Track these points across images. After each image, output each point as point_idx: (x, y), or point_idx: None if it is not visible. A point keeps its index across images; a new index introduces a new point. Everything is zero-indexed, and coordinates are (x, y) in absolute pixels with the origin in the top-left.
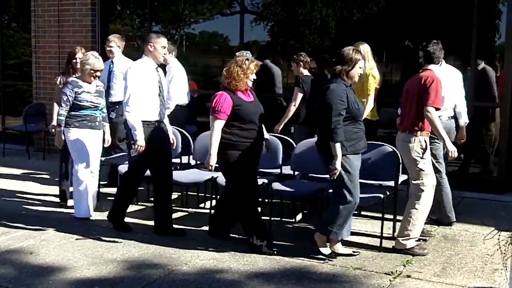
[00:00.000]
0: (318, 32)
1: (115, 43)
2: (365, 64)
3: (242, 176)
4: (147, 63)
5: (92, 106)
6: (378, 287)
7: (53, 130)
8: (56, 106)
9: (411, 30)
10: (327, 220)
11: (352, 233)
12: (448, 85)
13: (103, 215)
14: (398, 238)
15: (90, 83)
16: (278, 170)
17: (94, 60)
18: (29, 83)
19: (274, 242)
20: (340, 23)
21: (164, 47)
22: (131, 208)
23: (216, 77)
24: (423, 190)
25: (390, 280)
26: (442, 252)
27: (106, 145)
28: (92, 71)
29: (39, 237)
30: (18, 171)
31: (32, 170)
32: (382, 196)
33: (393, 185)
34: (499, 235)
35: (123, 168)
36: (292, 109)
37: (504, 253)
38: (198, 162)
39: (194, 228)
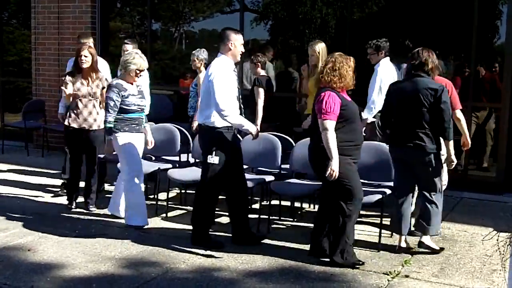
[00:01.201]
0: (318, 31)
1: (92, 41)
2: (319, 63)
3: (356, 181)
4: (228, 62)
5: (139, 109)
6: (376, 287)
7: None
8: (62, 101)
9: (411, 30)
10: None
11: None
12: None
13: (101, 212)
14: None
15: (132, 84)
16: (277, 170)
17: (139, 59)
18: (28, 79)
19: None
20: (340, 22)
21: (242, 44)
22: None
23: None
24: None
25: (388, 280)
26: (440, 252)
27: (149, 146)
28: (138, 71)
29: (37, 234)
30: (17, 168)
31: (31, 167)
32: (381, 196)
33: (392, 185)
34: (498, 236)
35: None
36: (260, 107)
37: (503, 254)
38: (197, 160)
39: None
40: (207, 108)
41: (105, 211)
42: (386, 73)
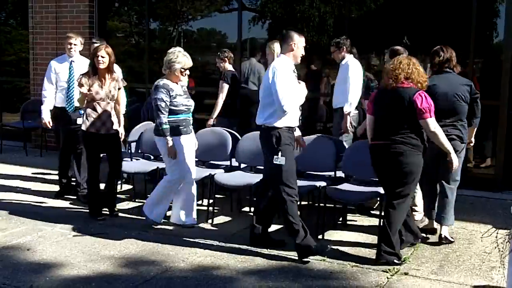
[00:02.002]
0: (316, 30)
1: (79, 41)
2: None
3: (416, 182)
4: (289, 63)
5: (187, 110)
6: (376, 284)
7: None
8: (47, 104)
9: (409, 28)
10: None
11: (350, 230)
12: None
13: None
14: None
15: (177, 83)
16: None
17: (184, 58)
18: (26, 79)
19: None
20: (338, 20)
21: (304, 47)
22: (130, 204)
23: (214, 74)
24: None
25: (387, 278)
26: (439, 249)
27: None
28: (183, 70)
29: (36, 234)
30: (15, 168)
31: (30, 167)
32: (380, 192)
33: None
34: (497, 233)
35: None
36: (220, 101)
37: (502, 251)
38: (196, 160)
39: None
40: (268, 109)
41: (104, 209)
42: (356, 68)
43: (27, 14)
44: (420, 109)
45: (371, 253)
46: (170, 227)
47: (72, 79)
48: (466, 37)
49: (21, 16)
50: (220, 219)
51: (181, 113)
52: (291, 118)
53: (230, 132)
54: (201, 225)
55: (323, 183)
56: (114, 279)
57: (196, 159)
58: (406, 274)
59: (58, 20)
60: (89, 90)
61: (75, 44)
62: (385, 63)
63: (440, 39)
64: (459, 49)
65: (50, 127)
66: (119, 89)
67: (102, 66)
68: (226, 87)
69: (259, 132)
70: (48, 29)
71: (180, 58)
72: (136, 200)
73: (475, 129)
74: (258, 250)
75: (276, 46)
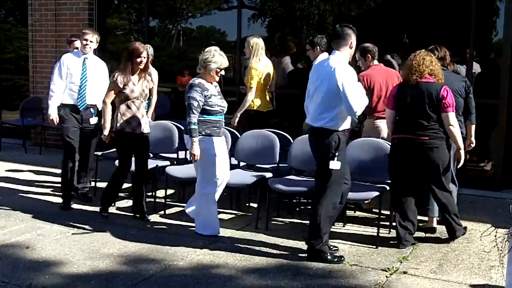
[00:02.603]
0: (315, 28)
1: (96, 39)
2: (253, 58)
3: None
4: (347, 61)
5: (221, 111)
6: (375, 283)
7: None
8: (109, 106)
9: (409, 26)
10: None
11: (349, 229)
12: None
13: (98, 209)
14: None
15: (212, 83)
16: (275, 166)
17: (220, 57)
18: (26, 77)
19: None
20: (338, 18)
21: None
22: (129, 203)
23: None
24: None
25: (386, 277)
26: (438, 248)
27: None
28: (218, 70)
29: (35, 232)
30: (14, 165)
31: (29, 165)
32: (378, 193)
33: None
34: (496, 232)
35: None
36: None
37: (501, 250)
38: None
39: (191, 223)
40: (331, 111)
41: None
42: None
43: (26, 12)
44: (445, 103)
45: (370, 252)
46: (170, 226)
47: (85, 76)
48: (465, 36)
49: (21, 13)
50: (220, 217)
51: (215, 114)
52: (348, 121)
53: (229, 130)
54: None
55: (270, 174)
56: (113, 277)
57: (244, 163)
58: (405, 273)
59: (57, 17)
60: (123, 88)
61: (91, 41)
62: (357, 62)
63: (439, 38)
64: (459, 48)
65: (55, 124)
66: (150, 88)
67: (141, 66)
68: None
69: (307, 133)
70: (47, 27)
71: (217, 57)
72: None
73: (473, 126)
74: (257, 248)
75: (254, 41)
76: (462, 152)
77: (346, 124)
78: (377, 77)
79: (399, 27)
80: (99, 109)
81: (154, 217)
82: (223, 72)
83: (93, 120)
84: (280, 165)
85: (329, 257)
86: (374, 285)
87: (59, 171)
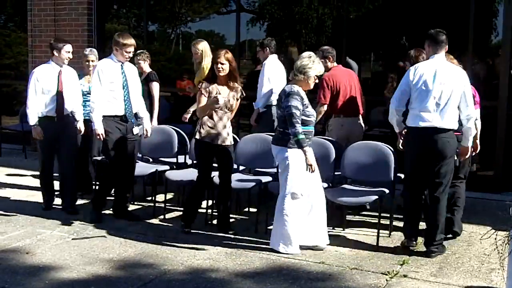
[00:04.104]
0: (314, 31)
1: (134, 46)
2: (205, 60)
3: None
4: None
5: (314, 121)
6: (375, 286)
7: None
8: (97, 112)
9: (407, 28)
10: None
11: (349, 233)
12: None
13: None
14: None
15: (306, 91)
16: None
17: (319, 65)
18: (25, 82)
19: None
20: (337, 21)
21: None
22: (130, 208)
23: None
24: None
25: (386, 280)
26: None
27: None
28: (316, 77)
29: (35, 237)
30: (14, 171)
31: (29, 170)
32: (377, 196)
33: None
34: (496, 235)
35: None
36: (157, 102)
37: (501, 253)
38: (195, 162)
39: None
40: (454, 112)
41: (103, 211)
42: (272, 69)
43: (26, 17)
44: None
45: (370, 255)
46: (169, 230)
47: (126, 83)
48: (464, 37)
49: (20, 19)
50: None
51: (310, 124)
52: None
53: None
54: (200, 228)
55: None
56: (113, 282)
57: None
58: (405, 276)
59: (56, 23)
60: (208, 97)
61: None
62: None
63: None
64: (457, 49)
65: (101, 139)
66: (237, 99)
67: (222, 73)
68: (157, 86)
69: (422, 135)
70: (47, 32)
71: (316, 64)
72: (135, 203)
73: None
74: (257, 253)
75: (203, 45)
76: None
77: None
78: (341, 77)
79: (398, 29)
80: (139, 117)
81: (153, 222)
82: (316, 80)
83: (136, 130)
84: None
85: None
86: None
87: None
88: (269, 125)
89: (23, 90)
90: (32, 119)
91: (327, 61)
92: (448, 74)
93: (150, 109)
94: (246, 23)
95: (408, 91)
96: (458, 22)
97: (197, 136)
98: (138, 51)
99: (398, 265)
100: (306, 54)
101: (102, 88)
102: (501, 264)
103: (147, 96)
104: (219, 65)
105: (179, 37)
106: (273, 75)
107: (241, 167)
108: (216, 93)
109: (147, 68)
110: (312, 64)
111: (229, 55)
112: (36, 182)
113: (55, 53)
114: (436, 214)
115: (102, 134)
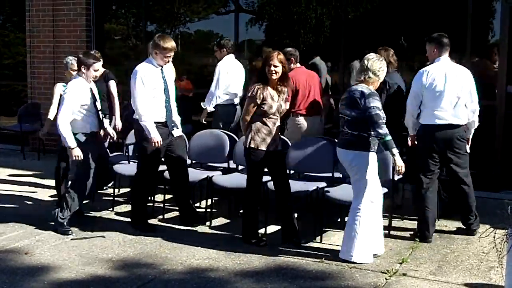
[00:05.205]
0: (313, 31)
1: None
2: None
3: None
4: None
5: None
6: (374, 285)
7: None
8: (148, 118)
9: (405, 28)
10: None
11: None
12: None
13: (97, 215)
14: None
15: None
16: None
17: (385, 65)
18: (24, 83)
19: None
20: (335, 22)
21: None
22: (128, 207)
23: (211, 76)
24: None
25: (386, 279)
26: (437, 250)
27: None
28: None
29: (34, 238)
30: (13, 171)
31: (27, 170)
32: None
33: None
34: (495, 233)
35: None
36: (117, 101)
37: (500, 251)
38: (194, 162)
39: (189, 227)
40: (464, 107)
41: (102, 213)
42: (226, 69)
43: (24, 18)
44: None
45: None
46: (168, 230)
47: (167, 88)
48: (462, 36)
49: (18, 19)
50: (218, 222)
51: None
52: None
53: (227, 134)
54: (199, 227)
55: (321, 184)
56: (112, 282)
57: (194, 161)
58: (404, 275)
59: (55, 23)
60: (261, 103)
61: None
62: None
63: None
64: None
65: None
66: (286, 101)
67: (275, 77)
68: (115, 84)
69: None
70: (45, 32)
71: (384, 66)
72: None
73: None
74: (256, 252)
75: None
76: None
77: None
78: (301, 78)
79: (396, 30)
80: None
81: (152, 222)
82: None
83: (177, 133)
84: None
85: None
86: (374, 287)
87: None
88: (224, 122)
89: (21, 90)
90: (71, 141)
91: (290, 62)
92: (456, 74)
93: (111, 109)
94: (245, 24)
95: (420, 94)
96: (456, 21)
97: (252, 145)
98: (90, 52)
99: (397, 263)
100: (373, 56)
101: (147, 94)
102: (500, 262)
103: (107, 96)
104: (272, 68)
105: (177, 37)
106: (225, 76)
107: (240, 167)
108: (270, 99)
109: (101, 68)
110: (384, 66)
111: (282, 56)
112: (36, 182)
113: (83, 69)
114: (470, 199)
115: (159, 141)
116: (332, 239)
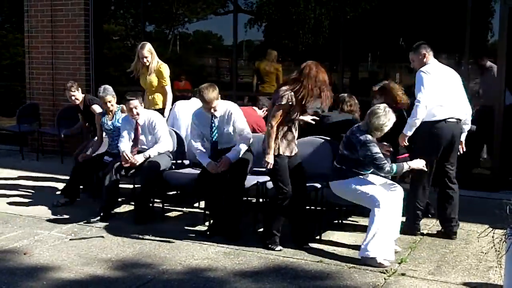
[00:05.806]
0: (311, 31)
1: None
2: (153, 61)
3: None
4: None
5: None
6: (373, 285)
7: None
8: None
9: (404, 29)
10: None
11: (347, 231)
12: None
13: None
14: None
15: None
16: None
17: (392, 115)
18: (22, 83)
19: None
20: (334, 22)
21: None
22: (127, 208)
23: (210, 77)
24: None
25: (384, 279)
26: (436, 250)
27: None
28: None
29: (33, 238)
30: (11, 172)
31: (26, 171)
32: None
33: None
34: (494, 233)
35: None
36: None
37: (499, 251)
38: (188, 162)
39: (189, 227)
40: (463, 104)
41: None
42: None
43: (22, 18)
44: None
45: None
46: (167, 230)
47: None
48: (461, 38)
49: (17, 20)
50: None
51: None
52: None
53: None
54: (198, 227)
55: (321, 184)
56: (111, 282)
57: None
58: (403, 274)
59: (53, 24)
60: (291, 110)
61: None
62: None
63: (435, 40)
64: (454, 50)
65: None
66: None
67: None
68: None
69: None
70: (43, 33)
71: (391, 117)
72: (133, 203)
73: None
74: (255, 252)
75: (148, 47)
76: None
77: None
78: None
79: (394, 30)
80: None
81: (153, 222)
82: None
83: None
84: None
85: None
86: (373, 287)
87: (56, 176)
88: None
89: (20, 91)
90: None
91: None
92: (450, 73)
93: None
94: (244, 24)
95: (433, 88)
96: (455, 22)
97: (281, 152)
98: (68, 84)
99: (396, 263)
100: (379, 109)
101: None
102: (499, 262)
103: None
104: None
105: (176, 37)
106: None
107: None
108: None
109: (81, 96)
110: (388, 121)
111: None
112: (33, 183)
113: (125, 103)
114: (456, 197)
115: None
116: (332, 239)
